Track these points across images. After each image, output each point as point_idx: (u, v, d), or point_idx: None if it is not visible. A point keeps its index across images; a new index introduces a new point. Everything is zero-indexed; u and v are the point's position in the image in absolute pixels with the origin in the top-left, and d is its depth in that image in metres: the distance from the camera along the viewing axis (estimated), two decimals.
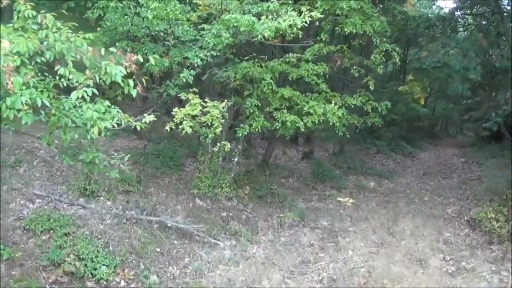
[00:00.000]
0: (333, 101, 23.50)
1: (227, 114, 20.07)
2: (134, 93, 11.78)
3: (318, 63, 23.78)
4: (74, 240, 17.99)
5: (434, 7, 50.11)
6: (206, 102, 19.25)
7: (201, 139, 23.25)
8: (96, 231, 19.26)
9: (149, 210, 21.55)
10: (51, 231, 18.34)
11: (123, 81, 11.41)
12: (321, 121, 22.73)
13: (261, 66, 22.78)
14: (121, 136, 31.18)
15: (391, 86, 44.55)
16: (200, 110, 18.95)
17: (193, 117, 19.29)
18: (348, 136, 24.63)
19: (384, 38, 25.80)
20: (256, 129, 22.35)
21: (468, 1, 40.90)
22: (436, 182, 35.75)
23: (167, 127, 18.85)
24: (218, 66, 22.90)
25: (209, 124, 19.21)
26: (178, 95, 20.61)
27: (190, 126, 18.45)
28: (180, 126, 18.40)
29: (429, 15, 44.00)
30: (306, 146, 36.93)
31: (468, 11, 43.00)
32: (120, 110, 13.05)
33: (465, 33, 44.78)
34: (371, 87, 24.75)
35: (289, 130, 22.96)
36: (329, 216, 25.91)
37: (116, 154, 26.91)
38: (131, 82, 11.61)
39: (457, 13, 42.88)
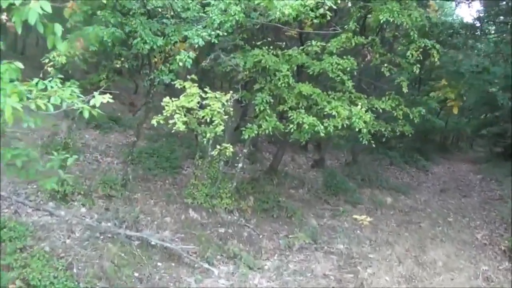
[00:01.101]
0: (359, 103, 18.29)
1: (231, 110, 14.72)
2: (62, 47, 6.43)
3: (344, 57, 18.49)
4: (28, 259, 13.49)
5: (454, 16, 45.39)
6: (206, 93, 14.02)
7: (199, 139, 18.10)
8: (59, 247, 14.79)
9: (130, 222, 16.78)
10: (3, 243, 13.85)
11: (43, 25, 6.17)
12: (345, 125, 17.53)
13: (277, 55, 17.55)
14: (116, 131, 26.16)
15: (417, 91, 39.05)
16: (198, 103, 13.79)
17: (189, 110, 14.19)
18: (371, 143, 19.08)
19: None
20: (266, 131, 17.15)
21: (495, 9, 36.19)
22: (457, 201, 30.56)
23: (154, 121, 13.65)
24: (224, 52, 17.67)
25: (209, 120, 13.93)
26: (173, 83, 15.30)
27: (184, 122, 13.31)
28: (171, 121, 13.19)
29: (452, 22, 38.98)
30: (316, 153, 31.68)
31: (492, 20, 38.29)
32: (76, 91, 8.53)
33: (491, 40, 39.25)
34: (404, 90, 19.62)
35: (305, 134, 17.85)
36: (345, 237, 20.75)
37: (104, 151, 22.07)
38: (58, 27, 6.37)
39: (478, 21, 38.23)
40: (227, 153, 14.37)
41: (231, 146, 14.23)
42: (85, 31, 14.48)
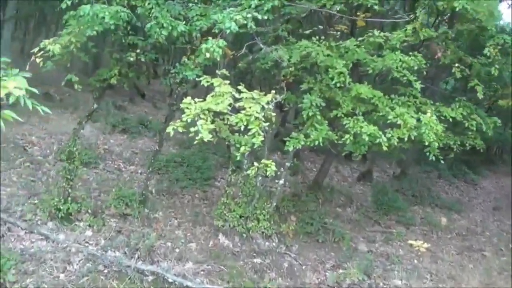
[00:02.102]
0: (428, 111, 13.88)
1: (273, 114, 10.32)
2: None
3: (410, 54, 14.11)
4: None
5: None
6: (240, 92, 9.77)
7: (232, 150, 13.88)
8: (48, 285, 11.08)
9: (145, 250, 12.68)
10: None
11: None
12: (412, 137, 13.13)
13: (330, 48, 13.20)
14: (145, 136, 22.34)
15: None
16: (230, 105, 9.52)
17: (217, 115, 10.02)
18: (439, 158, 14.47)
19: None
20: (316, 142, 12.82)
21: None
22: None
23: (170, 129, 9.40)
24: (264, 44, 13.40)
25: (243, 128, 9.60)
26: (198, 79, 11.04)
27: (211, 130, 9.05)
28: (193, 129, 9.01)
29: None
30: (361, 164, 27.04)
31: None
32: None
33: None
34: (480, 95, 15.16)
35: (363, 146, 13.50)
36: (403, 270, 16.23)
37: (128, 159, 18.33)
38: None
39: None
40: (267, 172, 10.01)
41: (273, 163, 9.88)
42: (81, 10, 10.45)
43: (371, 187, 23.84)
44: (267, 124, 9.83)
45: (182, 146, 21.95)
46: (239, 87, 9.86)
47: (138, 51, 12.82)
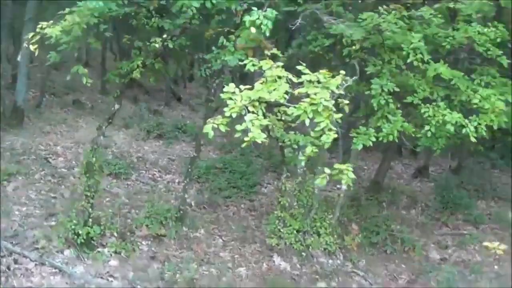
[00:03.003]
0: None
1: (346, 102, 7.00)
2: None
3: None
4: None
5: None
6: (299, 76, 6.60)
7: (287, 152, 10.71)
8: None
9: (184, 282, 9.41)
10: None
11: None
12: (503, 125, 9.87)
13: (402, 19, 9.86)
14: (182, 141, 19.41)
15: None
16: (287, 93, 6.37)
17: (269, 107, 6.87)
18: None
19: None
20: (390, 137, 9.54)
21: None
22: None
23: (208, 128, 6.27)
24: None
25: (308, 123, 6.39)
26: (242, 64, 7.87)
27: (264, 128, 5.94)
28: (239, 127, 5.92)
29: None
30: (412, 159, 23.53)
31: None
32: None
33: None
34: None
35: (442, 140, 10.23)
36: (486, 279, 12.87)
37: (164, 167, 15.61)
38: None
39: None
40: (344, 181, 6.67)
41: (350, 168, 6.54)
42: None
43: (430, 184, 20.38)
44: (340, 116, 6.65)
45: (222, 151, 18.94)
46: (300, 67, 6.74)
47: (165, 36, 9.60)
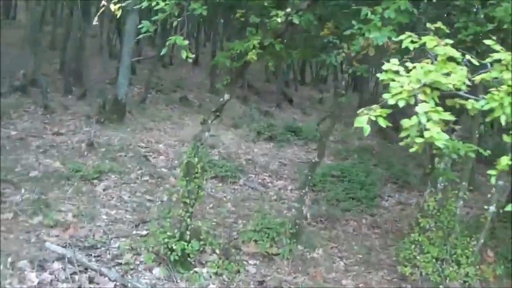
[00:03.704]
0: None
1: None
2: None
3: None
4: None
5: None
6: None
7: (437, 162, 8.62)
8: None
9: None
10: None
11: None
12: None
13: None
14: (295, 144, 18.22)
15: None
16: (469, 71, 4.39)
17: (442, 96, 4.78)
18: None
19: None
20: None
21: None
22: None
23: (362, 121, 4.31)
24: None
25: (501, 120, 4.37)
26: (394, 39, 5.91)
27: (445, 123, 3.99)
28: (408, 122, 3.98)
29: None
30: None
31: None
32: None
33: None
34: None
35: None
36: None
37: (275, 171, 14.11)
38: None
39: None
40: None
41: None
42: None
43: None
44: None
45: (337, 157, 17.07)
46: (488, 42, 4.76)
47: (288, 9, 7.65)
